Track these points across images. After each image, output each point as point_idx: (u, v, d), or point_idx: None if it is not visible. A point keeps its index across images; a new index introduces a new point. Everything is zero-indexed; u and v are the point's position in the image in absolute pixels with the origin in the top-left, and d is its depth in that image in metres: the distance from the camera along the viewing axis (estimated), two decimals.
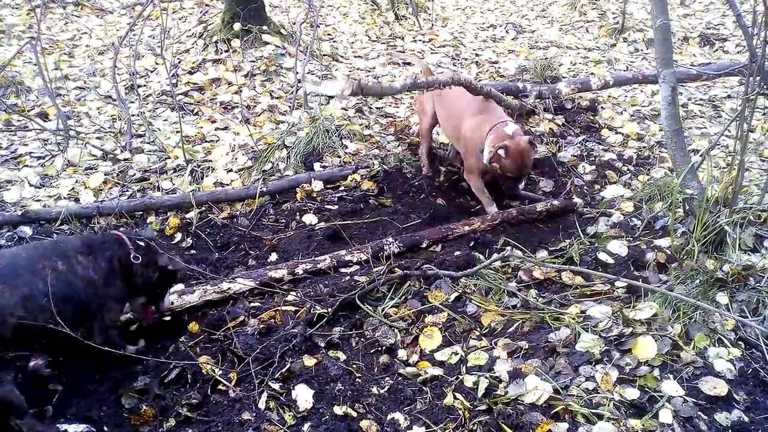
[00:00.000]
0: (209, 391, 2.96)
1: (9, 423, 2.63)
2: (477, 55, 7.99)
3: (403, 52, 7.72)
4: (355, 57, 7.70)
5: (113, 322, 3.18)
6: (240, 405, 2.86)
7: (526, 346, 3.14)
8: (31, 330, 2.72)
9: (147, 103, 6.20)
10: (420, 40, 8.35)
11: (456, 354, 3.18)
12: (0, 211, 4.48)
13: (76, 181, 4.88)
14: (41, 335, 2.77)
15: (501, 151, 4.14)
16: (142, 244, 3.24)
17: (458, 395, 2.88)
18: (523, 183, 4.39)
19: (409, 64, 7.49)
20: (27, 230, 4.25)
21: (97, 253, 3.06)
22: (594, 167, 4.94)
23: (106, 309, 3.09)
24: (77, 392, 3.02)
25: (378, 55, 7.79)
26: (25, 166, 5.14)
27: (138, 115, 5.80)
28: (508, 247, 3.95)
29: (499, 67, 7.48)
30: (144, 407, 2.84)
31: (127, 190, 4.82)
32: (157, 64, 6.91)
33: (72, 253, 2.97)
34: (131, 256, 3.15)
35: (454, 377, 3.02)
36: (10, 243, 4.14)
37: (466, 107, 4.46)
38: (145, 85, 6.61)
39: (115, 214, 4.42)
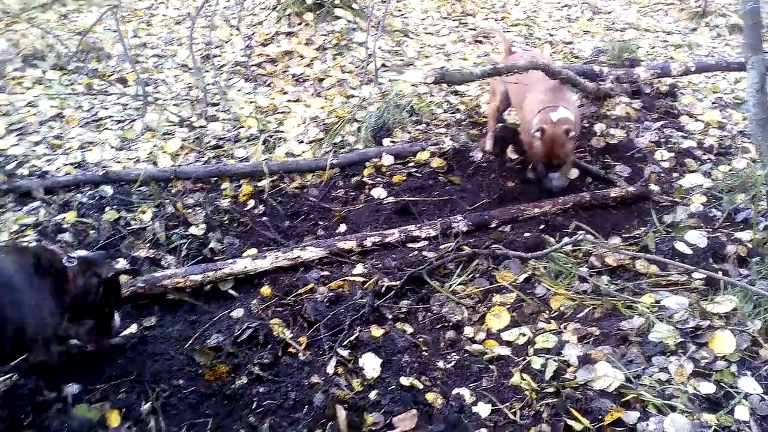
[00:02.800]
0: (280, 353, 3.04)
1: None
2: (551, 35, 7.80)
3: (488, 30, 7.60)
4: (426, 33, 7.64)
5: (51, 335, 2.73)
6: (309, 368, 2.93)
7: (597, 333, 3.09)
8: None
9: (222, 73, 6.31)
10: (492, 18, 8.22)
11: (523, 335, 3.16)
12: (83, 171, 4.67)
13: (154, 146, 5.03)
14: None
15: (537, 133, 4.10)
16: (74, 257, 2.83)
17: (525, 376, 2.88)
18: (560, 177, 4.32)
19: (479, 42, 7.40)
20: (108, 190, 4.40)
21: (19, 256, 2.69)
22: (672, 154, 4.79)
23: (45, 316, 2.66)
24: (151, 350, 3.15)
25: (449, 32, 7.71)
26: (106, 128, 5.33)
27: (213, 84, 5.91)
28: (580, 232, 3.89)
29: (573, 48, 7.29)
30: (218, 364, 2.92)
31: (203, 156, 4.94)
32: (231, 35, 7.02)
33: None
34: (65, 259, 2.78)
35: (521, 358, 3.01)
36: (92, 201, 4.31)
37: (534, 84, 4.38)
38: (219, 56, 6.73)
39: (192, 178, 4.53)
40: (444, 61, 6.79)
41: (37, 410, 2.73)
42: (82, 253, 2.94)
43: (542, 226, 4.06)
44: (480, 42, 7.42)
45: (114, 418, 2.64)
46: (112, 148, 5.03)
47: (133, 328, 3.36)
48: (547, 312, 3.34)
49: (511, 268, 3.65)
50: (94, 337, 3.02)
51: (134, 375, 2.91)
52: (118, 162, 4.84)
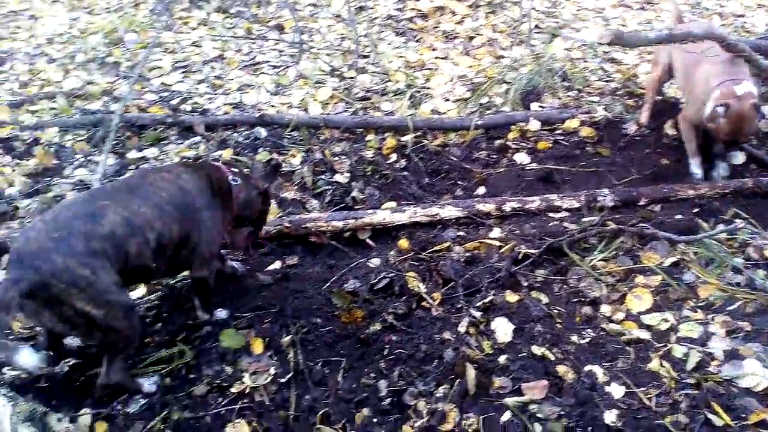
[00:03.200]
0: (414, 305, 3.11)
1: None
2: (721, 6, 7.19)
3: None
4: None
5: (213, 254, 3.01)
6: (441, 324, 2.97)
7: (748, 328, 2.91)
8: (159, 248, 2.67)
9: (373, 26, 6.37)
10: None
11: (666, 321, 3.02)
12: (240, 112, 4.93)
13: (306, 93, 5.20)
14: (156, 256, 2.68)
15: (720, 109, 3.71)
16: (235, 170, 3.14)
17: (665, 363, 2.76)
18: (740, 154, 3.98)
19: (642, 8, 6.96)
20: (263, 132, 4.63)
21: (196, 170, 2.97)
22: None
23: (208, 236, 2.90)
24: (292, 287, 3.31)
25: None
26: (262, 73, 5.57)
27: (365, 36, 5.98)
28: (738, 220, 3.63)
29: (745, 22, 6.69)
30: (354, 308, 3.03)
31: (351, 107, 5.05)
32: None
33: (173, 168, 2.98)
34: (230, 178, 3.04)
35: (662, 344, 2.88)
36: (247, 141, 4.55)
37: (707, 55, 4.04)
38: (372, 8, 6.77)
39: (340, 128, 4.65)
40: (602, 26, 6.46)
41: (190, 329, 2.98)
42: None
43: (696, 210, 3.83)
44: (643, 8, 6.98)
45: (258, 346, 2.82)
46: (267, 92, 5.26)
47: (276, 265, 3.55)
48: (694, 300, 3.16)
49: (657, 249, 3.48)
50: (248, 243, 3.30)
51: (277, 308, 3.09)
52: (272, 106, 5.06)
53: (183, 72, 5.67)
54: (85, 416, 2.48)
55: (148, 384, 2.66)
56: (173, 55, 5.95)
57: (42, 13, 7.00)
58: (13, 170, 4.25)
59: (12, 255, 2.42)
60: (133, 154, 4.42)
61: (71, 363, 2.73)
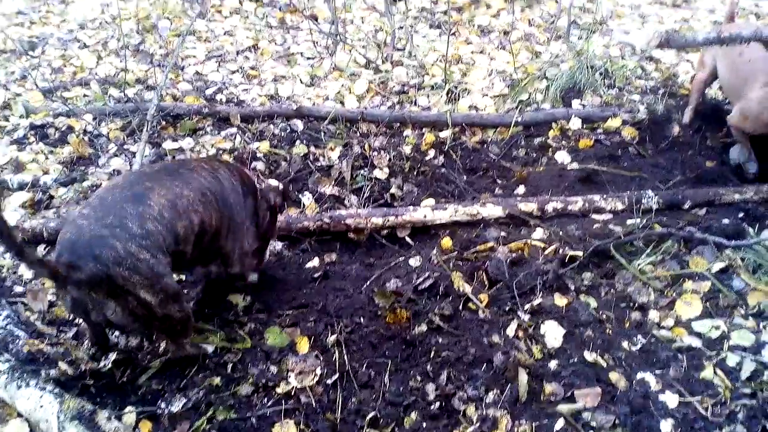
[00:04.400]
0: (460, 306, 3.04)
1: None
2: (756, 5, 7.03)
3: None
4: None
5: (249, 249, 3.05)
6: (489, 327, 2.91)
7: None
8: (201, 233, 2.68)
9: (408, 18, 6.29)
10: None
11: (717, 328, 2.94)
12: (277, 103, 4.88)
13: (342, 85, 5.14)
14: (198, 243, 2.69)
15: None
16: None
17: (719, 371, 2.69)
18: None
19: (677, 5, 6.82)
20: (299, 124, 4.58)
21: (230, 167, 3.02)
22: None
23: (246, 229, 2.97)
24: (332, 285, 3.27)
25: None
26: (297, 64, 5.51)
27: (400, 28, 5.91)
28: None
29: None
30: (399, 308, 2.98)
31: (387, 101, 4.99)
32: None
33: (207, 161, 2.97)
34: (256, 181, 3.11)
35: (714, 352, 2.81)
36: (283, 133, 4.50)
37: (758, 57, 3.95)
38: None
39: (378, 122, 4.59)
40: (638, 22, 6.35)
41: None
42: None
43: (741, 214, 3.74)
44: (678, 6, 6.85)
45: (303, 345, 2.79)
46: (302, 83, 5.20)
47: (315, 262, 3.51)
48: (744, 307, 3.08)
49: (705, 254, 3.39)
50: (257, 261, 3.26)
51: (320, 306, 3.04)
52: (308, 98, 5.01)
53: (217, 61, 5.63)
54: (130, 415, 2.45)
55: (210, 348, 2.77)
56: (207, 44, 5.91)
57: None
58: (47, 158, 4.23)
59: (64, 246, 2.34)
60: (168, 144, 4.39)
61: (115, 359, 2.69)
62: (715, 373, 2.68)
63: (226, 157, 4.24)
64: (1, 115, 4.76)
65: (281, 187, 3.28)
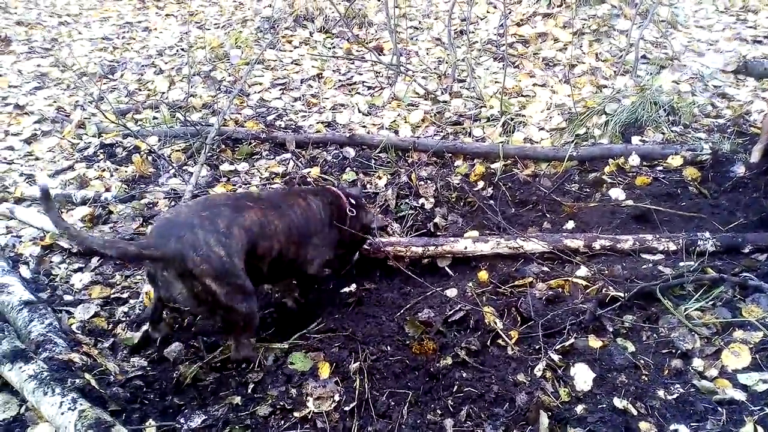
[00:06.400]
0: (489, 342, 2.97)
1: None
2: None
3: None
4: (696, 27, 6.92)
5: (321, 269, 3.35)
6: (516, 365, 2.83)
7: None
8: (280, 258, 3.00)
9: (472, 50, 6.30)
10: None
11: (764, 382, 2.74)
12: (332, 131, 4.97)
13: (398, 115, 5.20)
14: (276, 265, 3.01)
15: None
16: (353, 201, 3.43)
17: (759, 429, 2.50)
18: None
19: (759, 41, 6.52)
20: (351, 151, 4.64)
21: (323, 198, 3.31)
22: None
23: (324, 251, 3.26)
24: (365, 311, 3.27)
25: (724, 28, 6.90)
26: (357, 93, 5.61)
27: (462, 60, 5.93)
28: None
29: None
30: (426, 339, 2.94)
31: (441, 131, 4.99)
32: (488, 12, 6.96)
33: (306, 194, 3.27)
34: (347, 208, 3.35)
35: (758, 407, 2.62)
36: (335, 159, 4.57)
37: None
38: (473, 32, 6.72)
39: (429, 151, 4.60)
40: (714, 58, 6.10)
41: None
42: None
43: None
44: (759, 42, 6.56)
45: (325, 370, 2.78)
46: (359, 112, 5.28)
47: (352, 287, 3.52)
48: None
49: (761, 303, 3.18)
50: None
51: (348, 332, 3.04)
52: (364, 126, 5.08)
53: (281, 89, 5.80)
54: (150, 429, 2.51)
55: (270, 359, 2.93)
56: (274, 72, 6.10)
57: (155, 26, 7.40)
58: (112, 175, 4.45)
59: (159, 221, 2.73)
60: (225, 167, 4.54)
61: (142, 373, 2.78)
62: (755, 429, 2.50)
63: (277, 180, 4.34)
64: (75, 133, 5.06)
65: (379, 222, 3.68)
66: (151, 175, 4.51)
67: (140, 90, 5.88)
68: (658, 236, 3.69)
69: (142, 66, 6.34)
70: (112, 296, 3.40)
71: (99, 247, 2.45)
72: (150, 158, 4.67)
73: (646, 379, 2.78)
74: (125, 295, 3.40)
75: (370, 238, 3.57)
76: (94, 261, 3.66)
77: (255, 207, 2.86)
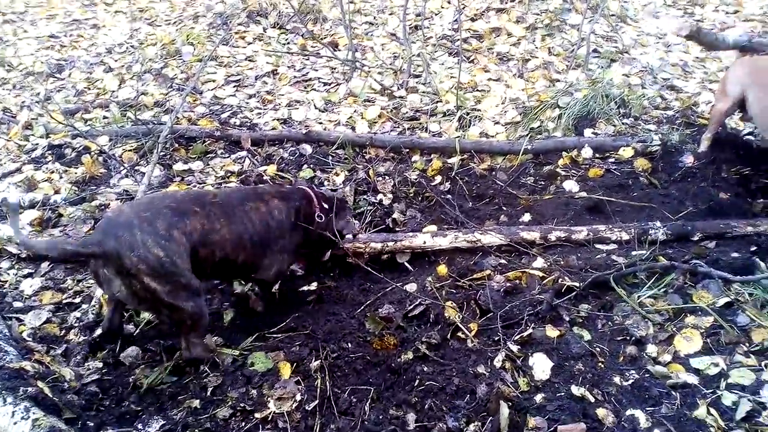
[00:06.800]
0: (449, 335, 3.00)
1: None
2: (765, 12, 6.89)
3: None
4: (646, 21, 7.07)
5: (279, 275, 3.28)
6: (476, 357, 2.86)
7: None
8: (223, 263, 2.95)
9: (427, 45, 6.32)
10: (722, 11, 7.41)
11: (716, 365, 2.83)
12: (288, 128, 4.93)
13: (355, 111, 5.18)
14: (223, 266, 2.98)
15: None
16: (325, 205, 3.36)
17: (713, 411, 2.58)
18: None
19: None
20: (308, 148, 4.61)
21: (289, 200, 3.24)
22: None
23: (283, 257, 3.22)
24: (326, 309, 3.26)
25: None
26: (313, 89, 5.57)
27: (418, 55, 5.94)
28: None
29: None
30: (387, 335, 2.95)
31: (398, 126, 5.00)
32: (442, 7, 6.99)
33: (270, 198, 3.18)
34: (316, 214, 3.30)
35: (710, 390, 2.70)
36: (292, 157, 4.54)
37: None
38: (428, 27, 6.73)
39: (386, 147, 4.60)
40: (663, 52, 6.26)
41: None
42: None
43: (753, 248, 3.61)
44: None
45: (286, 370, 2.77)
46: (316, 108, 5.26)
47: (312, 285, 3.50)
48: (747, 344, 2.96)
49: (710, 288, 3.29)
50: (303, 264, 3.61)
51: (308, 330, 3.03)
52: (320, 123, 5.06)
53: (235, 86, 5.73)
54: None
55: (229, 359, 2.89)
56: (227, 69, 6.02)
57: (104, 23, 7.22)
58: (61, 177, 4.34)
59: (102, 220, 2.73)
60: (179, 166, 4.46)
61: (98, 378, 2.72)
62: (708, 412, 2.58)
63: (233, 179, 4.29)
64: (22, 134, 4.91)
65: (352, 230, 3.58)
66: (101, 176, 4.40)
67: (89, 89, 5.74)
68: (611, 226, 3.78)
69: (91, 64, 6.19)
70: (64, 301, 3.32)
71: (43, 250, 2.50)
72: (101, 159, 4.56)
73: (602, 366, 2.84)
74: (77, 300, 3.32)
75: (340, 243, 3.48)
76: (45, 266, 3.56)
77: (201, 213, 2.82)
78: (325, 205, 3.37)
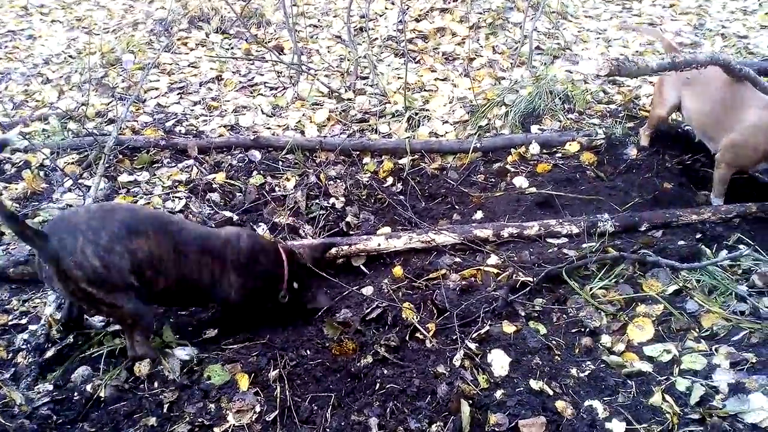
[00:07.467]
0: (407, 336, 2.99)
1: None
2: (723, 27, 7.13)
3: (651, 26, 7.05)
4: (586, 17, 7.23)
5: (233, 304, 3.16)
6: (435, 357, 2.86)
7: (753, 360, 2.78)
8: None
9: (373, 47, 6.31)
10: (659, 5, 7.63)
11: (668, 352, 2.91)
12: (235, 134, 4.85)
13: (303, 115, 5.14)
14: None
15: None
16: (300, 272, 3.23)
17: (667, 397, 2.64)
18: None
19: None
20: (257, 154, 4.55)
21: (251, 259, 3.08)
22: None
23: (226, 295, 3.08)
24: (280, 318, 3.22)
25: (611, 17, 7.25)
26: (260, 94, 5.51)
27: (364, 57, 5.93)
28: (742, 246, 3.53)
29: (749, 43, 6.61)
30: (345, 340, 2.93)
31: (348, 129, 4.98)
32: (386, 9, 7.00)
33: (230, 265, 3.02)
34: (282, 285, 3.18)
35: (664, 377, 2.77)
36: (241, 164, 4.47)
37: (747, 98, 3.84)
38: (373, 29, 6.73)
39: (336, 150, 4.57)
40: (603, 47, 6.41)
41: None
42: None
43: (699, 236, 3.72)
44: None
45: (243, 382, 2.71)
46: (263, 113, 5.19)
47: None
48: (697, 330, 3.05)
49: (659, 277, 3.38)
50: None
51: (265, 339, 2.98)
52: (268, 128, 4.99)
53: (179, 93, 5.62)
54: None
55: (184, 353, 2.90)
56: (170, 77, 5.90)
57: (40, 33, 6.99)
58: (1, 194, 4.17)
59: (53, 219, 2.86)
60: (124, 177, 4.34)
61: (48, 401, 2.63)
62: (663, 399, 2.64)
63: (181, 188, 4.20)
64: None
65: (327, 243, 3.55)
66: (44, 191, 4.25)
67: (27, 101, 5.53)
68: (561, 220, 3.84)
69: (28, 76, 5.98)
70: (10, 323, 3.19)
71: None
72: (42, 173, 4.40)
73: (559, 358, 2.89)
74: (24, 321, 3.19)
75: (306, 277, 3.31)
76: None
77: (153, 237, 2.75)
78: (298, 273, 3.22)
